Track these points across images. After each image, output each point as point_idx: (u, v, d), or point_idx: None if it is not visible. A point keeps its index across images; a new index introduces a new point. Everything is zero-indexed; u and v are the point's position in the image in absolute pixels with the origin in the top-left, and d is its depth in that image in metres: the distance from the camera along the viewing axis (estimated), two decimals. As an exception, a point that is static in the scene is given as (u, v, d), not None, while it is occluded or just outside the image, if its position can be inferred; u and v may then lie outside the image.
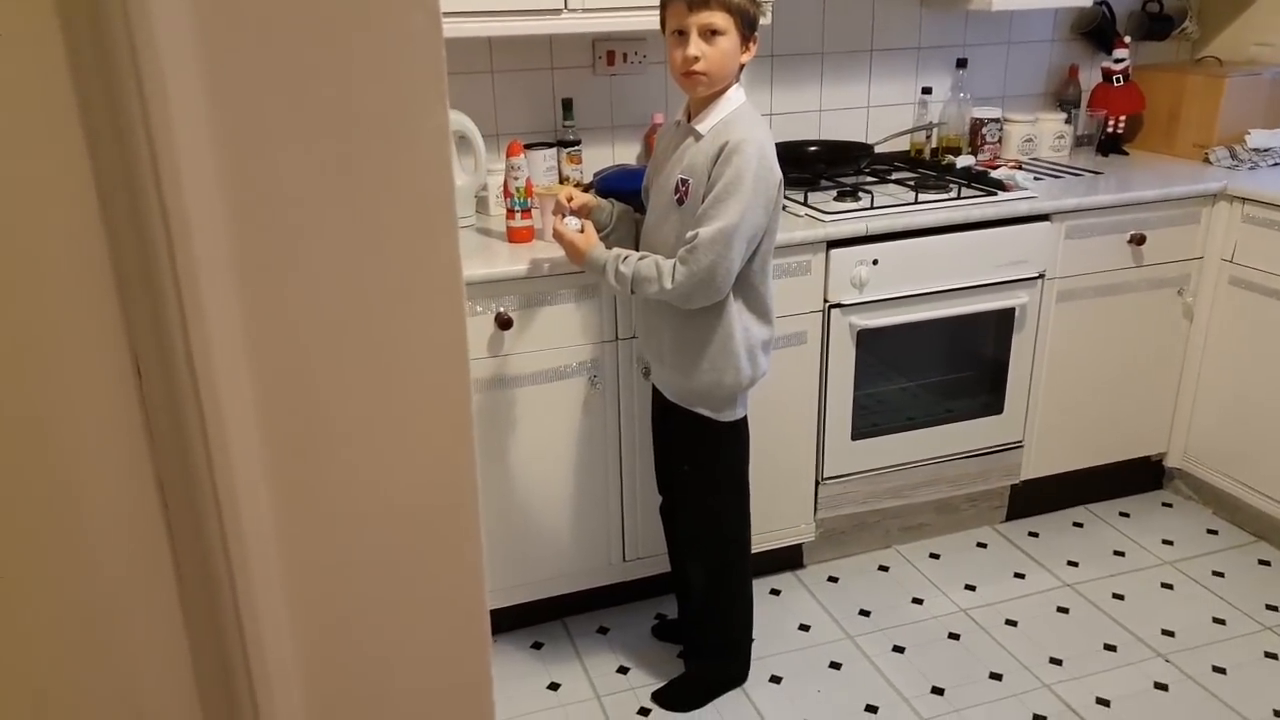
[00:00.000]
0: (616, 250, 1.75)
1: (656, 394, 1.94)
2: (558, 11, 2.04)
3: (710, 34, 1.60)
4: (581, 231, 1.78)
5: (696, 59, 1.61)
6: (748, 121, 1.67)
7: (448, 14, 1.95)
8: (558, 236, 1.81)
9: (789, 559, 2.44)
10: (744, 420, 1.88)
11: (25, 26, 0.44)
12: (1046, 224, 2.33)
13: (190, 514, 0.53)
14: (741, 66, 1.69)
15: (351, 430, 0.54)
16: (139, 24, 0.42)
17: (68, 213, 0.47)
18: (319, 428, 0.53)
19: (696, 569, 2.00)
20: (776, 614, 2.31)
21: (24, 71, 0.44)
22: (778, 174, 1.69)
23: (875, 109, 2.68)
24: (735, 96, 1.69)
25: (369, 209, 0.51)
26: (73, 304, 0.48)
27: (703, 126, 1.68)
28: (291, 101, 0.47)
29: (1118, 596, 2.36)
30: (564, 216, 1.84)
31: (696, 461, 1.91)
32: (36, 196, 0.46)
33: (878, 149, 2.56)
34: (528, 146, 2.27)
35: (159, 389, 0.50)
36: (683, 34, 1.62)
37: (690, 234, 1.65)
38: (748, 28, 1.63)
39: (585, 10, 2.05)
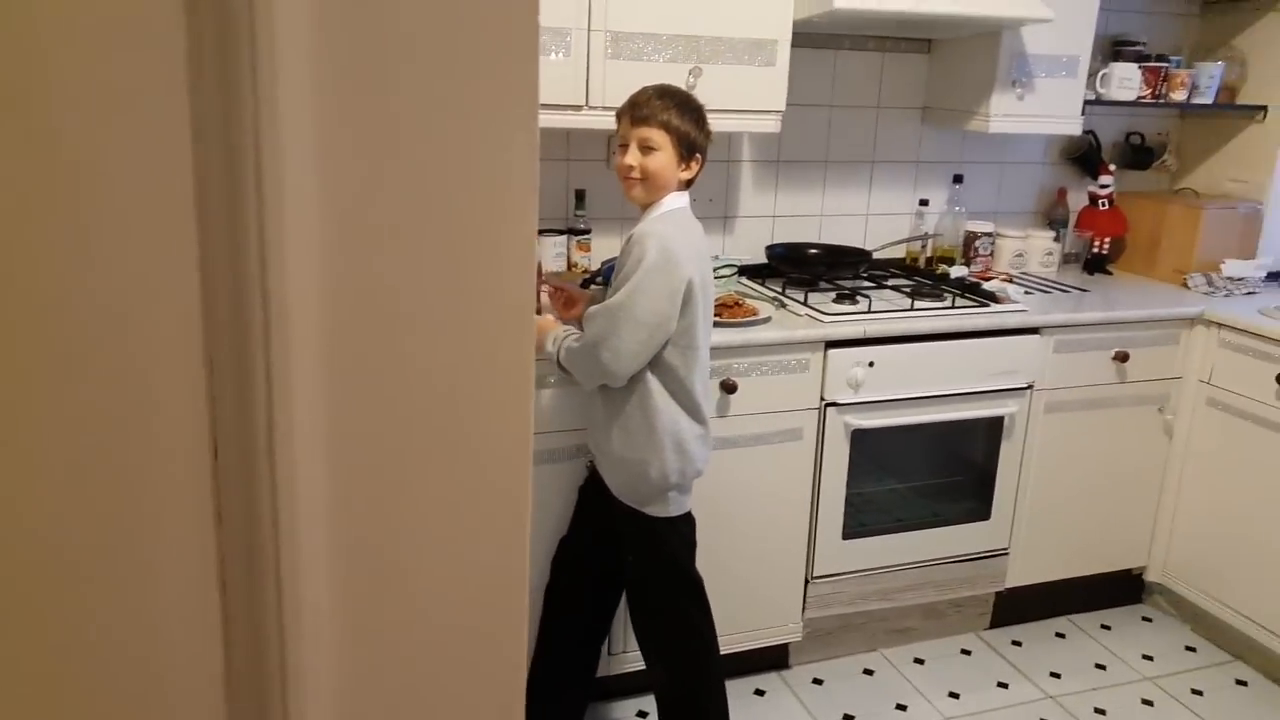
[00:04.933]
0: (566, 327, 1.90)
1: (602, 486, 1.93)
2: (579, 108, 2.12)
3: (647, 148, 1.78)
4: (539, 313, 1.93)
5: (632, 167, 1.79)
6: (664, 221, 1.80)
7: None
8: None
9: (775, 658, 2.41)
10: (682, 519, 1.89)
11: (159, 145, 0.46)
12: (1036, 337, 2.41)
13: (248, 599, 0.53)
14: (688, 182, 1.84)
15: (414, 526, 0.55)
16: (266, 120, 0.44)
17: (167, 286, 0.48)
18: (386, 524, 0.54)
19: (659, 672, 1.99)
20: (760, 715, 2.27)
21: (151, 155, 0.46)
22: (684, 270, 1.75)
23: (874, 217, 2.79)
24: (669, 203, 1.82)
25: (459, 313, 0.53)
26: (160, 379, 0.49)
27: (636, 228, 1.82)
28: (399, 207, 0.49)
29: (1099, 711, 2.35)
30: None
31: (638, 556, 1.92)
32: (142, 277, 0.47)
33: (875, 255, 2.65)
34: (539, 232, 2.33)
35: (233, 470, 0.51)
36: (625, 145, 1.81)
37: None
38: (685, 148, 1.80)
39: (604, 108, 2.13)
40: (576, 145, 2.44)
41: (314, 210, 0.48)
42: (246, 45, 0.44)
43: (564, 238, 2.37)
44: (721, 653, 2.02)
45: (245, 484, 0.51)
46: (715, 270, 2.27)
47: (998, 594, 2.61)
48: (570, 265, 2.40)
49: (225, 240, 0.47)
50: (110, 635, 0.51)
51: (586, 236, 2.40)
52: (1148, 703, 2.39)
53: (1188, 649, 2.62)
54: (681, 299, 1.76)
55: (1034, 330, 2.40)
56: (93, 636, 0.51)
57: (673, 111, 1.78)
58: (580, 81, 2.10)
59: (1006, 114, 2.51)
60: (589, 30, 2.08)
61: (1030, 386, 2.43)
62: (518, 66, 0.50)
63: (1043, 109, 2.54)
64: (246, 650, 0.53)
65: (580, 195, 2.41)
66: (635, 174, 1.79)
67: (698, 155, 1.82)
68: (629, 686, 2.26)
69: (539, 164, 0.52)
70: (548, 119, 2.11)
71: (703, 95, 1.91)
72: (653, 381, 1.80)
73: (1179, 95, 2.74)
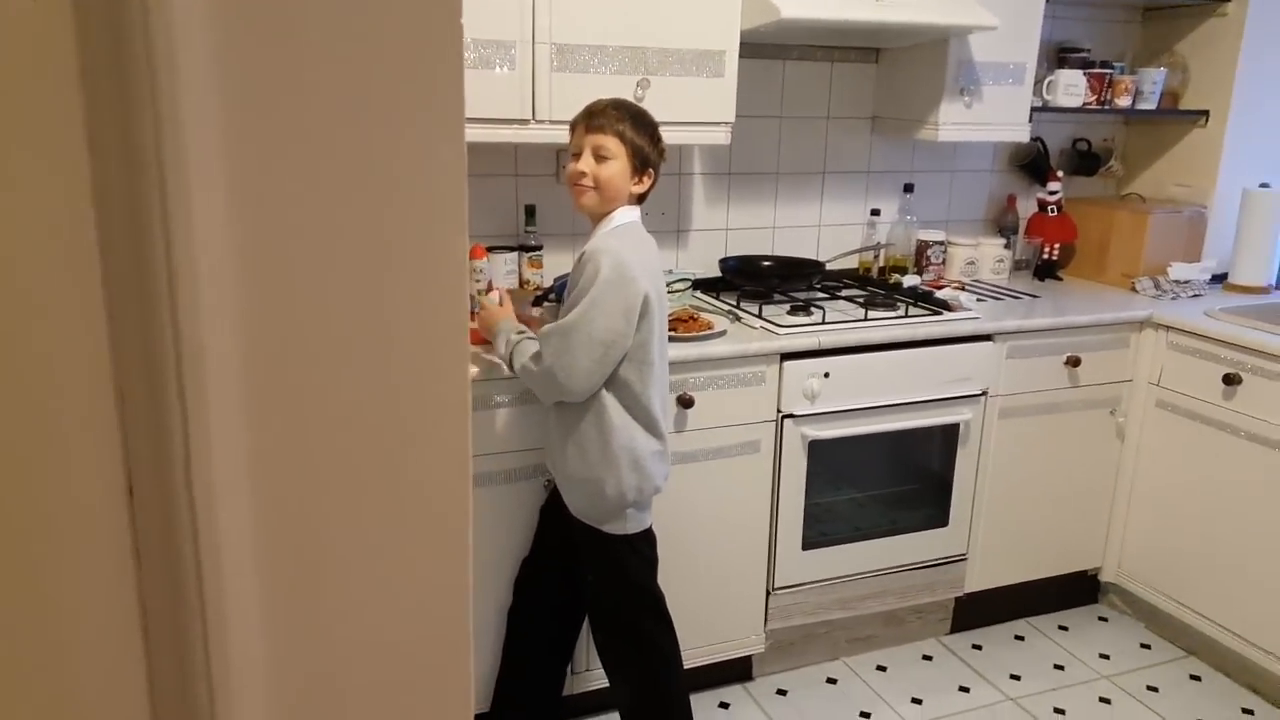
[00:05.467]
0: (518, 324, 1.87)
1: (562, 505, 1.92)
2: (525, 122, 2.10)
3: (601, 156, 1.78)
4: (500, 304, 1.93)
5: (584, 174, 1.78)
6: (617, 236, 1.79)
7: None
8: (477, 305, 1.94)
9: (739, 670, 2.41)
10: (641, 536, 1.88)
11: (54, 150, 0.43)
12: (989, 344, 2.42)
13: (173, 640, 0.50)
14: (640, 196, 1.83)
15: (348, 563, 0.53)
16: (169, 137, 0.42)
17: (71, 317, 0.45)
18: (316, 555, 0.52)
19: (623, 689, 1.98)
20: (725, 729, 2.27)
21: (45, 171, 0.43)
22: (639, 285, 1.75)
23: (826, 228, 2.79)
24: (619, 217, 1.81)
25: (386, 333, 0.50)
26: (66, 412, 0.46)
27: (588, 244, 1.81)
28: (317, 227, 0.47)
29: (1059, 711, 2.38)
30: (489, 291, 1.97)
31: (598, 574, 1.91)
32: (43, 310, 0.45)
33: (828, 266, 2.66)
34: (490, 249, 2.30)
35: (151, 507, 0.48)
36: (578, 155, 1.80)
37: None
38: (639, 161, 1.79)
39: (551, 122, 2.11)
40: (525, 160, 2.41)
41: (223, 232, 0.45)
42: (144, 59, 0.41)
43: (515, 254, 2.34)
44: (685, 667, 2.02)
45: (163, 521, 0.48)
46: (669, 285, 2.26)
47: (957, 599, 2.62)
48: (522, 282, 2.37)
49: (131, 267, 0.45)
50: (26, 689, 0.49)
51: (538, 253, 2.38)
52: (1105, 700, 2.42)
53: (1143, 646, 2.66)
54: (637, 315, 1.74)
55: (987, 337, 2.42)
56: (4, 691, 0.48)
57: (627, 123, 1.78)
58: (526, 95, 2.08)
59: (955, 122, 2.53)
60: (533, 43, 2.05)
61: (984, 393, 2.45)
62: (440, 76, 0.48)
63: (991, 116, 2.56)
64: (173, 695, 0.51)
65: (530, 211, 2.38)
66: (587, 181, 1.78)
67: (650, 170, 1.82)
68: (593, 704, 2.24)
69: (467, 178, 0.50)
70: (494, 134, 2.08)
71: (651, 107, 1.90)
72: (608, 398, 1.78)
73: (1123, 101, 2.78)
